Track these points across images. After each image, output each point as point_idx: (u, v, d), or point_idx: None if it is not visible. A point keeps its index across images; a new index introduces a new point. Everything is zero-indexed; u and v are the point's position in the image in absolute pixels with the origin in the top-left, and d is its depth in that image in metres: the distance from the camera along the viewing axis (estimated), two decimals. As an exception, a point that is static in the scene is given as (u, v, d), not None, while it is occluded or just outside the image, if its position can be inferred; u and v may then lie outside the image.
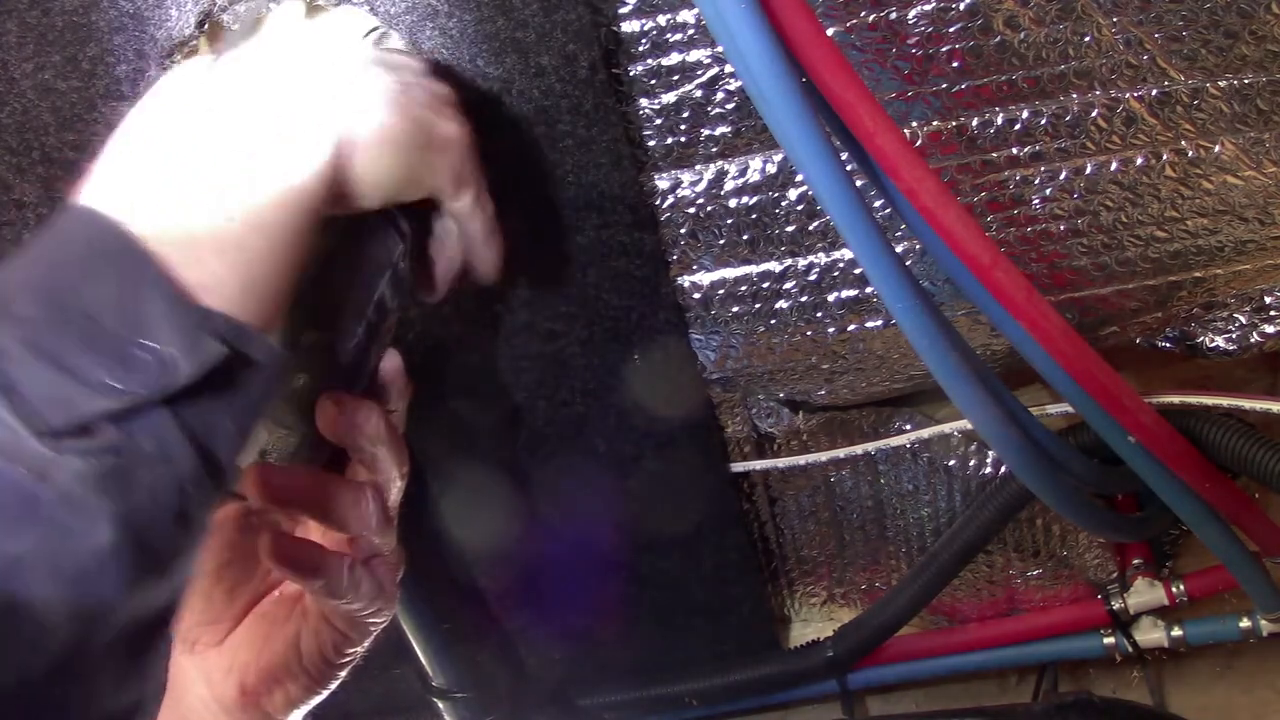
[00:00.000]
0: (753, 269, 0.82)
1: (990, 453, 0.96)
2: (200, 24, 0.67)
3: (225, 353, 0.42)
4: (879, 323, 0.84)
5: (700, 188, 0.78)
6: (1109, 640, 1.05)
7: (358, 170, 0.50)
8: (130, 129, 0.48)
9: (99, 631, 0.39)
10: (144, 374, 0.40)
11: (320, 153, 0.48)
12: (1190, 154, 0.74)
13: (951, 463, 0.97)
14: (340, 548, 0.58)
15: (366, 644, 0.61)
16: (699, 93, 0.73)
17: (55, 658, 0.38)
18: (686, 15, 0.70)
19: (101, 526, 0.39)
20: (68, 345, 0.39)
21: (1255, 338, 0.84)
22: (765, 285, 0.82)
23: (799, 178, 0.77)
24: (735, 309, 0.84)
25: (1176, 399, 0.84)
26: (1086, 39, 0.69)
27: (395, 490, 0.59)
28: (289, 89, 0.50)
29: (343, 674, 0.61)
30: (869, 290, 0.82)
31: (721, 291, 0.83)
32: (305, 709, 0.61)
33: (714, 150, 0.76)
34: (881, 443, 0.96)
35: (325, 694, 0.61)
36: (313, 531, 0.61)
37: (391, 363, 0.59)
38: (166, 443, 0.41)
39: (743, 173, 0.77)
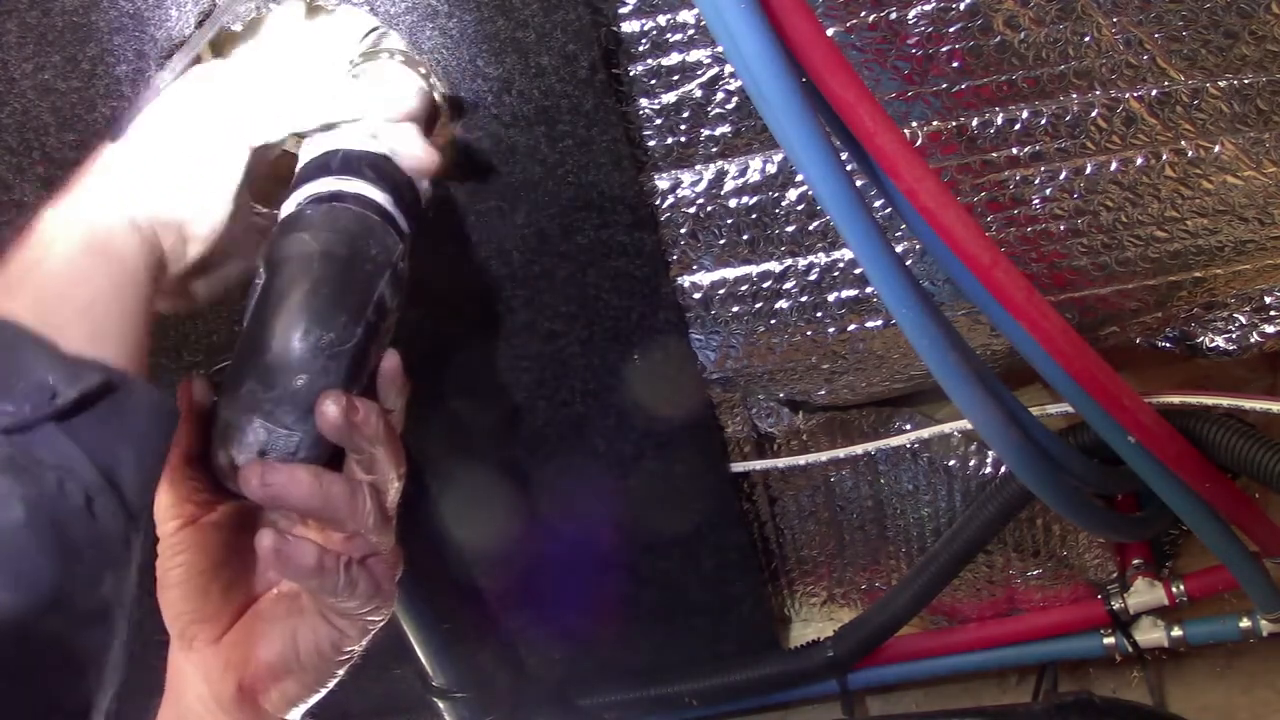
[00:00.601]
0: (753, 269, 0.82)
1: (990, 453, 0.96)
2: (200, 24, 0.67)
3: (102, 380, 0.47)
4: (879, 323, 0.84)
5: (700, 188, 0.78)
6: (1109, 640, 1.05)
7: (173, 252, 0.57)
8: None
9: (30, 598, 0.42)
10: (28, 399, 0.45)
11: (131, 244, 0.54)
12: (1190, 154, 0.74)
13: (951, 463, 0.97)
14: (338, 547, 0.58)
15: (364, 642, 0.61)
16: (699, 93, 0.73)
17: None
18: (686, 15, 0.70)
19: (13, 506, 0.43)
20: None
21: (1255, 338, 0.84)
22: (765, 285, 0.82)
23: (799, 178, 0.77)
24: (735, 309, 0.84)
25: (1176, 399, 0.84)
26: (1086, 39, 0.69)
27: (393, 490, 0.59)
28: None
29: (340, 672, 0.61)
30: (869, 290, 0.82)
31: (721, 291, 0.83)
32: (303, 707, 0.61)
33: (714, 150, 0.76)
34: (881, 443, 0.96)
35: (323, 692, 0.61)
36: (310, 530, 0.61)
37: (390, 362, 0.59)
38: (64, 454, 0.45)
39: (743, 173, 0.77)
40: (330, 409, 0.54)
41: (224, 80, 0.62)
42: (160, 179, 0.57)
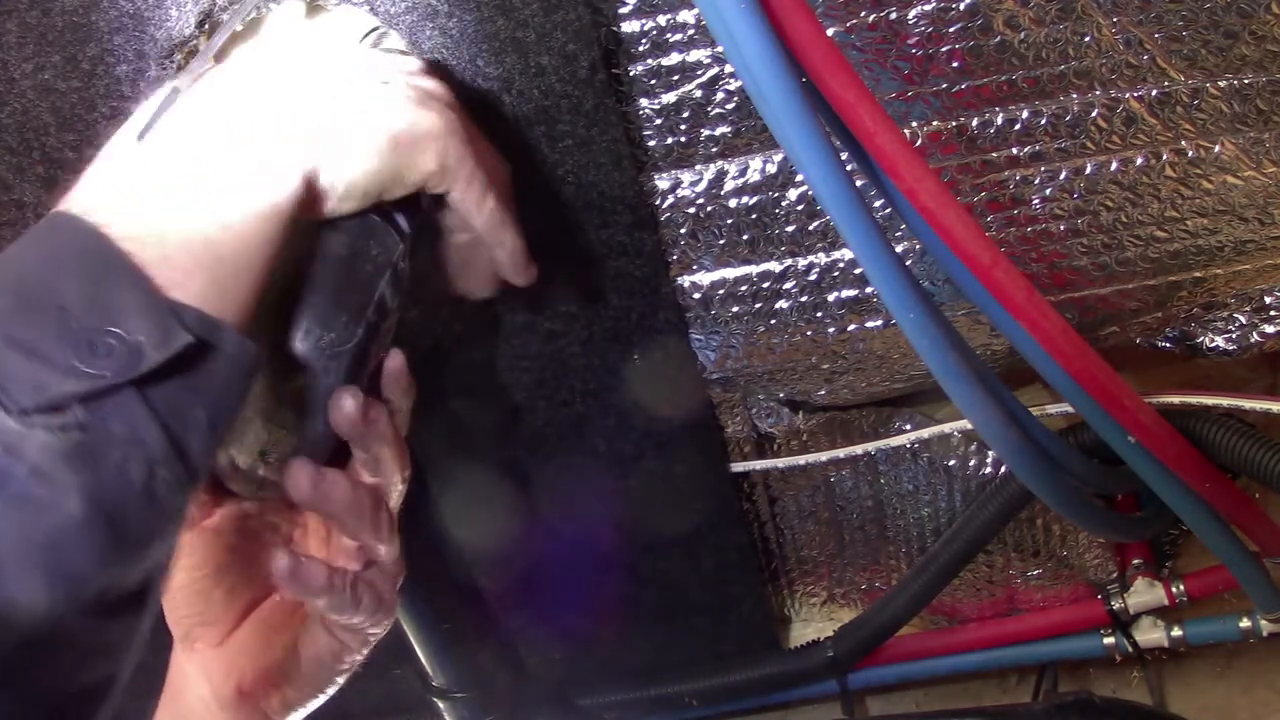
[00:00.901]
0: (753, 269, 0.82)
1: (990, 453, 0.96)
2: (200, 24, 0.67)
3: (192, 341, 0.44)
4: (879, 323, 0.84)
5: (700, 188, 0.78)
6: (1109, 640, 1.05)
7: (327, 182, 0.53)
8: (116, 139, 0.52)
9: (70, 602, 0.40)
10: (112, 359, 0.42)
11: (291, 173, 0.51)
12: (1190, 154, 0.74)
13: (951, 463, 0.97)
14: (344, 560, 0.58)
15: (365, 653, 0.62)
16: (699, 93, 0.73)
17: (26, 626, 0.39)
18: (686, 15, 0.70)
19: (71, 498, 0.40)
20: (40, 334, 0.42)
21: (1255, 338, 0.84)
22: (765, 285, 0.82)
23: (799, 178, 0.77)
24: (735, 309, 0.84)
25: (1176, 399, 0.84)
26: (1086, 39, 0.69)
27: (396, 495, 0.59)
28: (262, 106, 0.52)
29: (341, 680, 0.62)
30: (869, 290, 0.82)
31: (721, 291, 0.83)
32: (304, 712, 0.61)
33: (714, 150, 0.76)
34: (881, 443, 0.96)
35: (323, 699, 0.62)
36: (312, 535, 0.61)
37: (395, 362, 0.59)
38: (136, 425, 0.43)
39: (743, 173, 0.77)
40: (348, 404, 0.54)
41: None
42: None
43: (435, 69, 0.65)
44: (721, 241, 0.80)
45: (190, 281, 0.46)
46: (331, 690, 0.62)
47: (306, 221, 0.54)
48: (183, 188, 0.48)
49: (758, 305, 0.83)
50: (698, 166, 0.77)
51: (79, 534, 0.40)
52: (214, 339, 0.46)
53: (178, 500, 0.45)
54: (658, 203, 0.78)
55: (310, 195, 0.52)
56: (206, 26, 0.67)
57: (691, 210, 0.79)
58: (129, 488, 0.42)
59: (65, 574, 0.40)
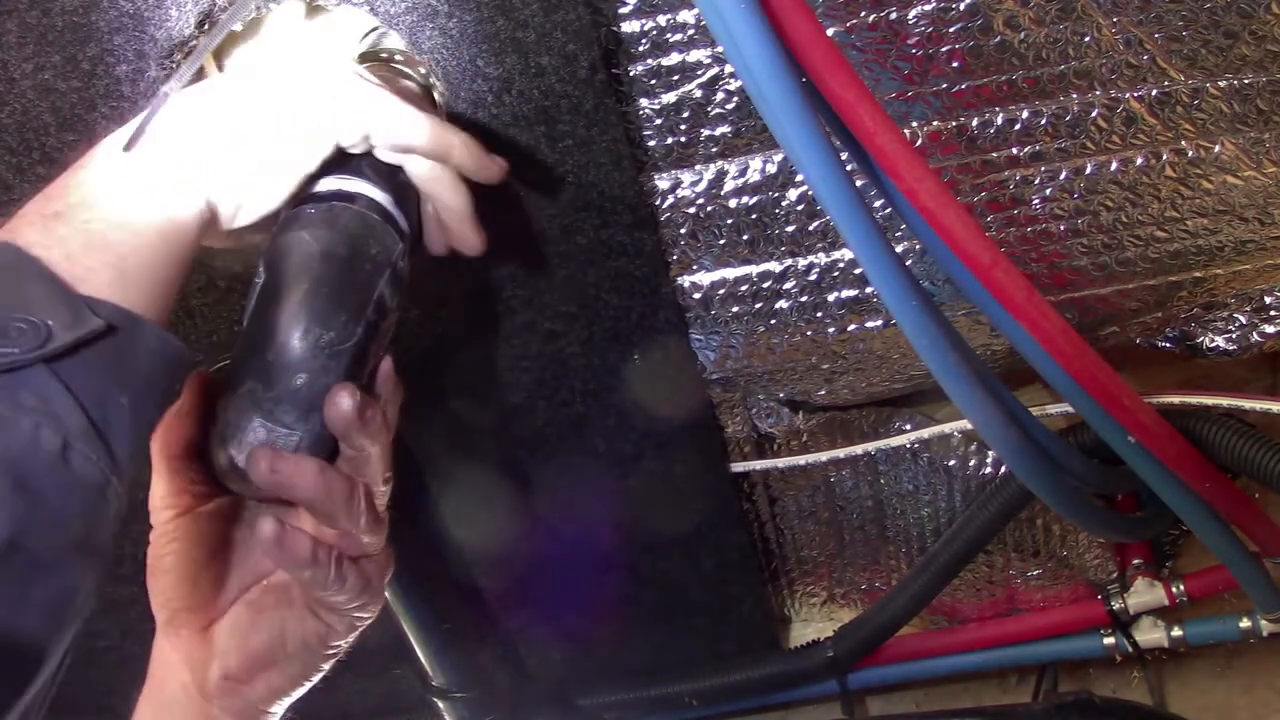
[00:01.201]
0: (753, 269, 0.82)
1: (990, 453, 0.96)
2: (200, 24, 0.67)
3: (102, 325, 0.47)
4: (879, 323, 0.84)
5: (700, 188, 0.78)
6: (1109, 640, 1.05)
7: (229, 200, 0.56)
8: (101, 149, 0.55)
9: None
10: (22, 340, 0.45)
11: (190, 188, 0.55)
12: (1190, 154, 0.74)
13: (951, 463, 0.97)
14: (330, 542, 0.58)
15: (351, 638, 0.62)
16: (699, 93, 0.73)
17: None
18: (686, 15, 0.70)
19: None
20: None
21: (1255, 338, 0.84)
22: (765, 285, 0.82)
23: (799, 178, 0.77)
24: (735, 309, 0.84)
25: (1176, 399, 0.84)
26: (1086, 39, 0.69)
27: (381, 494, 0.60)
28: (172, 121, 0.56)
29: (326, 666, 0.62)
30: (869, 290, 0.82)
31: (721, 291, 0.83)
32: (288, 700, 0.61)
33: (714, 150, 0.76)
34: (881, 443, 0.96)
35: (308, 686, 0.62)
36: (305, 523, 0.61)
37: (383, 366, 0.59)
38: (47, 397, 0.45)
39: (743, 173, 0.77)
40: (345, 401, 0.54)
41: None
42: (232, 154, 0.57)
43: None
44: (721, 241, 0.80)
45: (95, 278, 0.49)
46: (316, 677, 0.62)
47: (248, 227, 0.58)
48: (94, 197, 0.52)
49: (758, 305, 0.83)
50: (698, 166, 0.77)
51: None
52: (132, 330, 0.49)
53: (98, 475, 0.46)
54: (658, 203, 0.78)
55: (211, 213, 0.56)
56: (206, 26, 0.67)
57: (691, 210, 0.79)
58: (40, 454, 0.44)
59: None
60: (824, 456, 0.97)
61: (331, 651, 0.61)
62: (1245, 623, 1.00)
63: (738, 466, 0.97)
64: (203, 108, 0.57)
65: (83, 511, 0.46)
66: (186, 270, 0.55)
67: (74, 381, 0.46)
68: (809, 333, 0.85)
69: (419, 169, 0.61)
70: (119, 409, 0.48)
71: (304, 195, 0.59)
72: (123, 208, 0.52)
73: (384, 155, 0.60)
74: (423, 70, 0.67)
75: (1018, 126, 0.73)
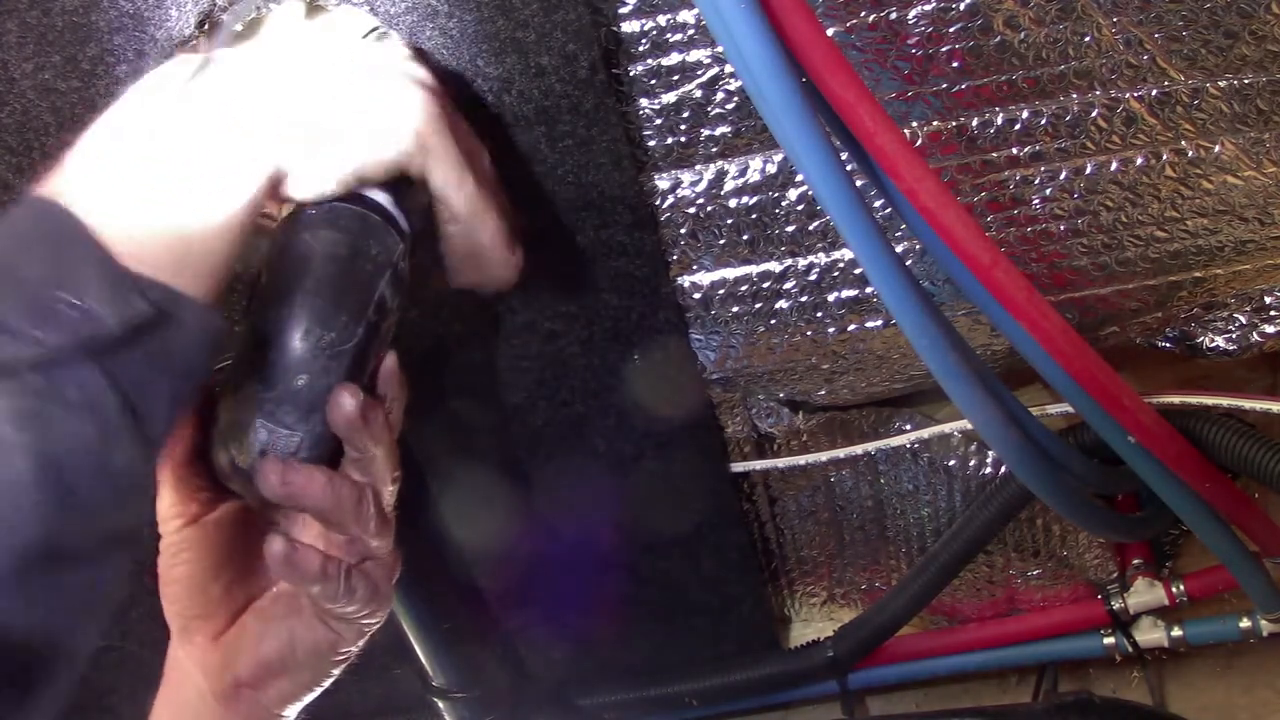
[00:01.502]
0: (753, 269, 0.82)
1: (990, 453, 0.96)
2: (200, 24, 0.67)
3: (150, 311, 0.45)
4: (879, 323, 0.84)
5: (700, 188, 0.78)
6: (1109, 640, 1.05)
7: (299, 170, 0.54)
8: (102, 122, 0.52)
9: (16, 566, 0.41)
10: (68, 327, 0.43)
11: (258, 162, 0.52)
12: (1190, 154, 0.74)
13: (951, 463, 0.97)
14: (338, 551, 0.58)
15: (360, 644, 0.62)
16: (699, 93, 0.73)
17: None
18: (686, 15, 0.70)
19: (18, 458, 0.41)
20: (1, 306, 0.43)
21: (1255, 338, 0.84)
22: (765, 285, 0.82)
23: (799, 178, 0.77)
24: (735, 309, 0.84)
25: (1176, 399, 0.84)
26: (1086, 39, 0.69)
27: (388, 494, 0.59)
28: (236, 98, 0.53)
29: (337, 671, 0.62)
30: (869, 290, 0.82)
31: (721, 291, 0.83)
32: (299, 705, 0.61)
33: (714, 150, 0.76)
34: (881, 443, 0.96)
35: (320, 690, 0.62)
36: (310, 529, 0.61)
37: (387, 364, 0.59)
38: (91, 392, 0.43)
39: (743, 173, 0.77)
40: (347, 402, 0.54)
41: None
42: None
43: (417, 54, 0.65)
44: (721, 241, 0.80)
45: (150, 255, 0.47)
46: (327, 682, 0.62)
47: (293, 207, 0.56)
48: (151, 171, 0.50)
49: (758, 305, 0.83)
50: (698, 166, 0.77)
51: (24, 492, 0.41)
52: (175, 311, 0.47)
53: (136, 468, 0.46)
54: (658, 203, 0.78)
55: (278, 184, 0.54)
56: (206, 26, 0.67)
57: (691, 210, 0.79)
58: (83, 452, 0.43)
59: (10, 527, 0.41)
60: (824, 456, 0.97)
61: (341, 657, 0.61)
62: (1245, 623, 1.00)
63: (738, 466, 0.97)
64: (286, 69, 0.56)
65: (119, 505, 0.45)
66: (243, 241, 0.52)
67: (116, 371, 0.44)
68: (809, 333, 0.85)
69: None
70: (159, 395, 0.46)
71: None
72: (174, 172, 0.50)
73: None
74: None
75: (1018, 126, 0.73)
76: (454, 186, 0.59)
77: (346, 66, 0.57)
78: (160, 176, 0.49)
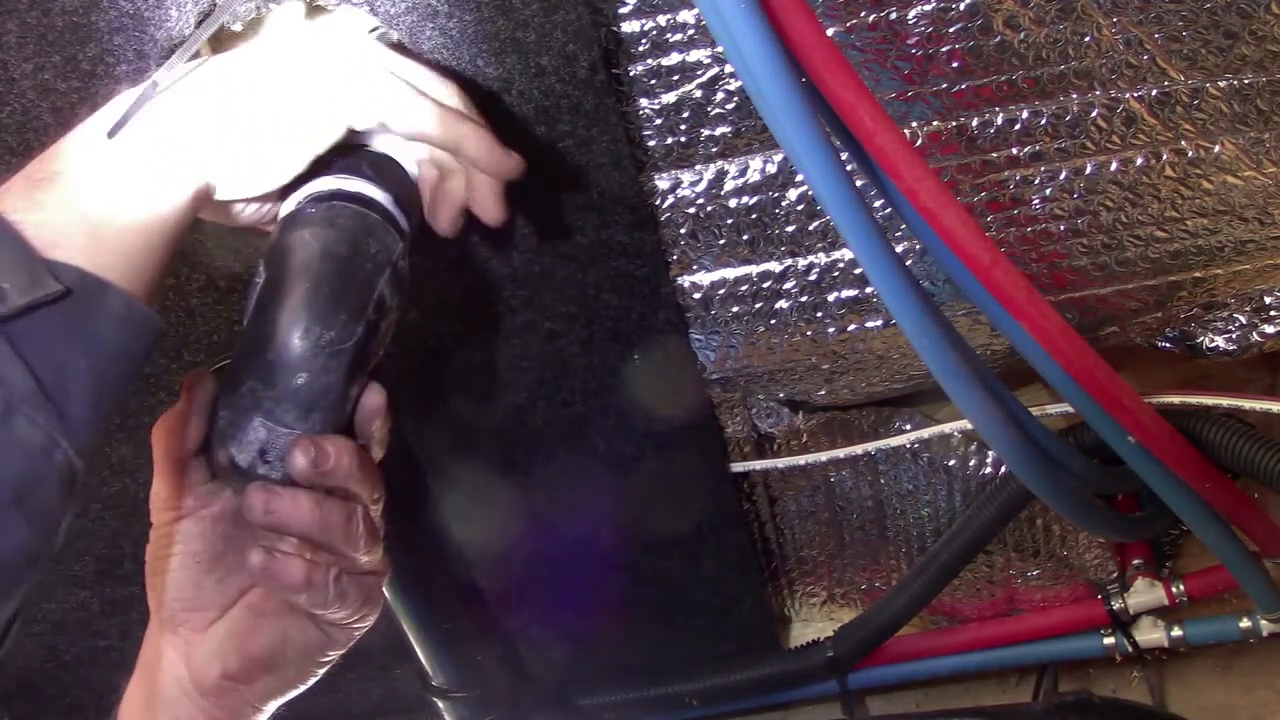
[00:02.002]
0: (753, 269, 0.82)
1: (990, 453, 0.96)
2: (200, 24, 0.67)
3: (59, 290, 0.47)
4: (879, 323, 0.84)
5: (700, 188, 0.78)
6: (1109, 640, 1.05)
7: (227, 171, 0.56)
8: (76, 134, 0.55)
9: None
10: None
11: (186, 172, 0.55)
12: (1190, 154, 0.74)
13: (951, 463, 0.97)
14: (325, 556, 0.58)
15: (350, 645, 0.62)
16: (699, 93, 0.73)
17: None
18: (686, 15, 0.70)
19: None
20: None
21: (1255, 338, 0.84)
22: (765, 285, 0.82)
23: (799, 178, 0.77)
24: (735, 309, 0.84)
25: (1176, 399, 0.84)
26: (1086, 39, 0.69)
27: (375, 511, 0.60)
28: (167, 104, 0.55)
29: (322, 671, 0.62)
30: (869, 290, 0.82)
31: (721, 291, 0.83)
32: (282, 700, 0.61)
33: (714, 150, 0.76)
34: (881, 443, 0.96)
35: (304, 688, 0.62)
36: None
37: (374, 400, 0.59)
38: None
39: (743, 173, 0.77)
40: (299, 460, 0.54)
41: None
42: (239, 126, 0.56)
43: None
44: (721, 241, 0.80)
45: (68, 243, 0.49)
46: (312, 681, 0.62)
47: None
48: (75, 166, 0.52)
49: (758, 305, 0.83)
50: (698, 166, 0.77)
51: None
52: (96, 296, 0.49)
53: (41, 440, 0.46)
54: (658, 203, 0.78)
55: (205, 185, 0.56)
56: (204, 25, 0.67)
57: (691, 210, 0.79)
58: None
59: None
60: (824, 456, 0.97)
61: (330, 658, 0.61)
62: (1245, 623, 1.00)
63: (738, 466, 0.97)
64: (212, 78, 0.57)
65: (21, 473, 0.46)
66: (175, 242, 0.55)
67: (24, 344, 0.46)
68: (809, 333, 0.85)
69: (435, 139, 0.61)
70: (77, 373, 0.48)
71: (304, 195, 0.59)
72: (103, 174, 0.52)
73: (396, 141, 0.60)
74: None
75: (1018, 126, 0.73)
76: (414, 117, 0.60)
77: (265, 60, 0.59)
78: (90, 178, 0.52)
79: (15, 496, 0.46)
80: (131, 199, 0.52)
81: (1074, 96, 0.72)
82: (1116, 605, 1.02)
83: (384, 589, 0.62)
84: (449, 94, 0.63)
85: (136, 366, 0.52)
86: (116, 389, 0.51)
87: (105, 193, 0.52)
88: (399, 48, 0.67)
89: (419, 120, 0.60)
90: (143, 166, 0.54)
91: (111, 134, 0.53)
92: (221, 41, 0.67)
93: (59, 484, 0.47)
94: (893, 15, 0.69)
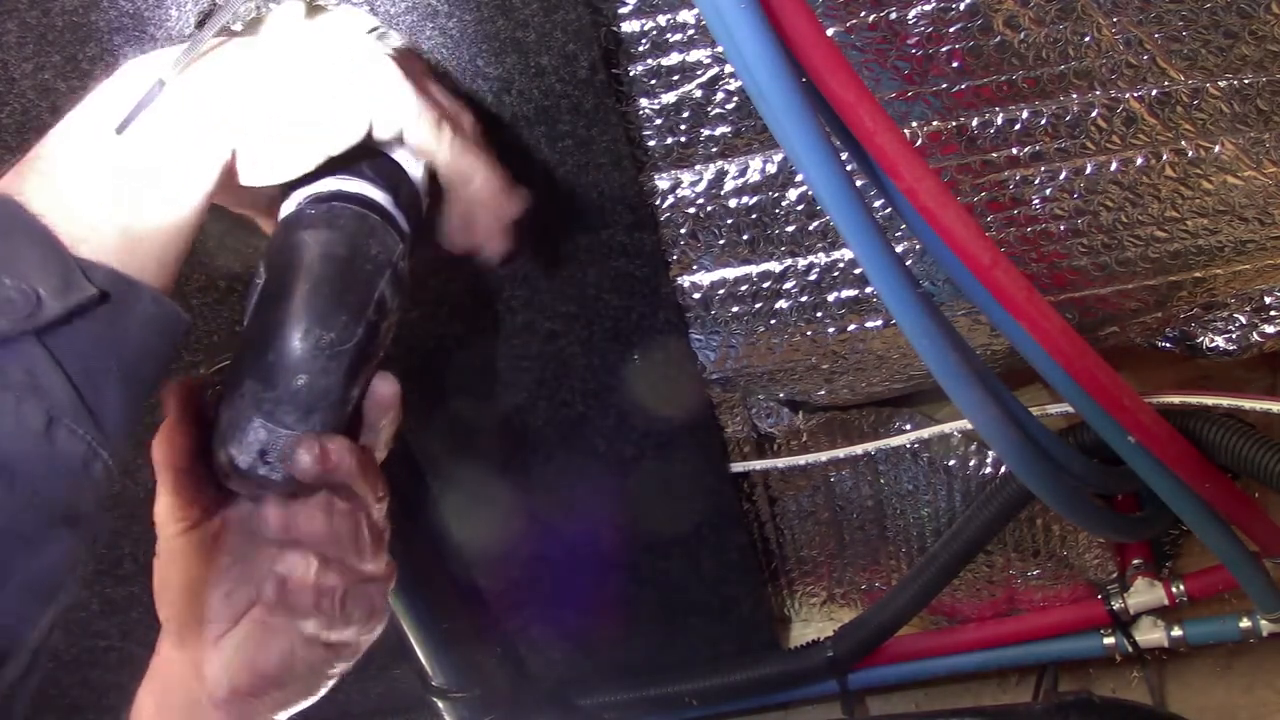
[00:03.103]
0: (753, 269, 0.82)
1: (990, 453, 0.96)
2: (200, 24, 0.67)
3: (95, 294, 0.46)
4: (879, 323, 0.84)
5: (700, 188, 0.78)
6: (1109, 640, 1.05)
7: (249, 159, 0.55)
8: (62, 122, 0.54)
9: None
10: (12, 309, 0.43)
11: (209, 161, 0.53)
12: (1190, 154, 0.74)
13: (951, 463, 0.97)
14: (333, 580, 0.58)
15: (359, 656, 0.62)
16: (699, 93, 0.73)
17: None
18: (686, 15, 0.70)
19: None
20: None
21: (1255, 338, 0.84)
22: (765, 285, 0.82)
23: (799, 178, 0.77)
24: (735, 309, 0.84)
25: (1176, 399, 0.84)
26: (1086, 39, 0.69)
27: (378, 513, 0.60)
28: (187, 93, 0.54)
29: (331, 684, 0.62)
30: (869, 290, 0.82)
31: (721, 291, 0.83)
32: (292, 711, 0.62)
33: (714, 150, 0.76)
34: (881, 443, 0.96)
35: (314, 700, 0.62)
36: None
37: (387, 389, 0.59)
38: (35, 372, 0.44)
39: (743, 173, 0.77)
40: (303, 458, 0.54)
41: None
42: (267, 111, 0.55)
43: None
44: (721, 241, 0.80)
45: (99, 240, 0.47)
46: (323, 692, 0.62)
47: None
48: (103, 162, 0.51)
49: (758, 305, 0.83)
50: (698, 166, 0.77)
51: None
52: (128, 296, 0.48)
53: (83, 451, 0.45)
54: (658, 203, 0.78)
55: (233, 173, 0.55)
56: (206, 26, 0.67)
57: (691, 210, 0.79)
58: (23, 433, 0.43)
59: None
60: (824, 456, 0.97)
61: (338, 670, 0.62)
62: (1245, 623, 1.00)
63: (738, 466, 0.97)
64: (250, 60, 0.56)
65: (67, 489, 0.45)
66: (196, 230, 0.53)
67: (62, 353, 0.45)
68: (809, 333, 0.85)
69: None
70: (109, 377, 0.46)
71: (304, 196, 0.59)
72: (121, 167, 0.50)
73: (405, 152, 0.60)
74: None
75: (1018, 126, 0.73)
76: (431, 140, 0.60)
77: (302, 51, 0.58)
78: (113, 168, 0.50)
79: (64, 513, 0.45)
80: (155, 190, 0.51)
81: (1074, 96, 0.72)
82: (1116, 605, 1.02)
83: (387, 604, 0.62)
84: (469, 124, 0.63)
85: (164, 366, 0.51)
86: (147, 391, 0.50)
87: (127, 186, 0.50)
88: (432, 66, 0.67)
89: (436, 144, 0.60)
90: (166, 155, 0.52)
91: (120, 130, 0.52)
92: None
93: (100, 495, 0.47)
94: (893, 15, 0.69)
